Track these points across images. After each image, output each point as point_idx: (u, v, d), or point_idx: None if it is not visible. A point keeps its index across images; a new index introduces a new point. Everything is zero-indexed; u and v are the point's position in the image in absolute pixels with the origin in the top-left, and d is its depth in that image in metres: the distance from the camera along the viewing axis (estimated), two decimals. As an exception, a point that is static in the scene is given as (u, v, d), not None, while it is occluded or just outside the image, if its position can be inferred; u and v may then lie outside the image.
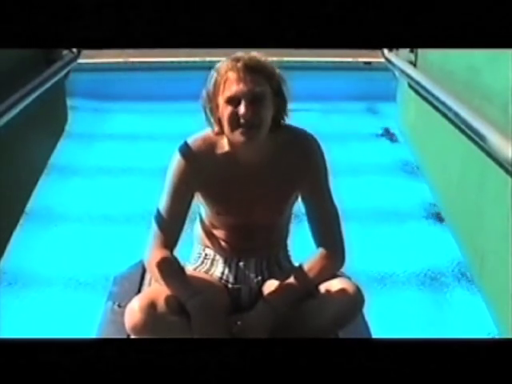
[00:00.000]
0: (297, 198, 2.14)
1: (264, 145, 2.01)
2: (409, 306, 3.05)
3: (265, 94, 1.94)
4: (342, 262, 2.12)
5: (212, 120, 2.01)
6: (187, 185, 2.04)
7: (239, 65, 1.92)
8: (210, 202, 2.10)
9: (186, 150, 2.04)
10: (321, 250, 2.09)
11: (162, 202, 2.06)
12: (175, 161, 2.05)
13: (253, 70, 1.93)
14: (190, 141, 2.06)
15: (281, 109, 2.02)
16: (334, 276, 2.08)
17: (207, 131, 2.06)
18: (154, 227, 2.06)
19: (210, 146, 2.04)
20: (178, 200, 2.04)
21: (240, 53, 1.96)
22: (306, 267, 2.09)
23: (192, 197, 2.07)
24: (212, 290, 2.11)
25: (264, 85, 1.94)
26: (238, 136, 1.94)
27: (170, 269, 2.02)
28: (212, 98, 1.97)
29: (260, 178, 2.05)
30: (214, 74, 1.98)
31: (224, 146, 2.04)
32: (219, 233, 2.16)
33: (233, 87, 1.92)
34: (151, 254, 2.04)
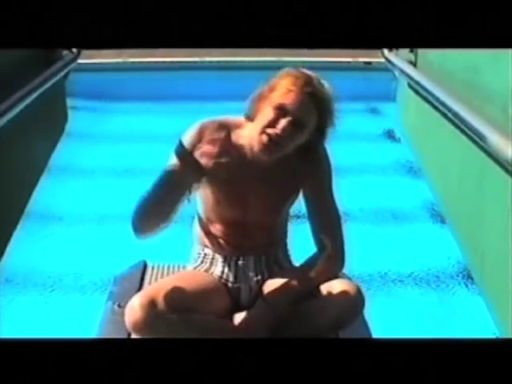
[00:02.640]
0: (297, 197, 2.14)
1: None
2: (409, 305, 3.05)
3: (308, 125, 1.95)
4: (342, 264, 2.12)
5: (250, 112, 2.01)
6: (195, 160, 1.94)
7: (305, 89, 1.92)
8: (213, 188, 2.06)
9: (203, 127, 2.00)
10: (321, 252, 2.09)
11: (166, 173, 1.98)
12: (190, 134, 1.99)
13: (313, 99, 1.93)
14: (208, 120, 2.03)
15: (316, 140, 2.02)
16: (334, 277, 2.08)
17: (227, 117, 2.06)
18: (149, 193, 2.05)
19: (227, 131, 2.01)
20: (184, 170, 1.95)
21: (311, 73, 1.98)
22: (305, 267, 2.09)
23: (194, 177, 1.97)
24: (212, 291, 2.12)
25: (313, 117, 1.95)
26: (260, 143, 1.94)
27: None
28: (264, 95, 1.97)
29: (266, 176, 2.05)
30: (277, 77, 1.99)
31: (241, 136, 2.03)
32: (217, 230, 2.16)
33: (288, 99, 1.92)
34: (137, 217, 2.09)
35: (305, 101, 1.93)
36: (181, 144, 1.98)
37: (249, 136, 2.01)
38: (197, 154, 1.93)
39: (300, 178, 2.09)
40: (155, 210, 2.01)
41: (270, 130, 1.93)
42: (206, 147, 1.94)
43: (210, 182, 2.05)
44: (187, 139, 1.99)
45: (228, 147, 1.98)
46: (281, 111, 1.93)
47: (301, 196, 2.15)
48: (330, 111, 1.98)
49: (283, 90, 1.94)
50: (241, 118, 2.05)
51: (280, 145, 1.94)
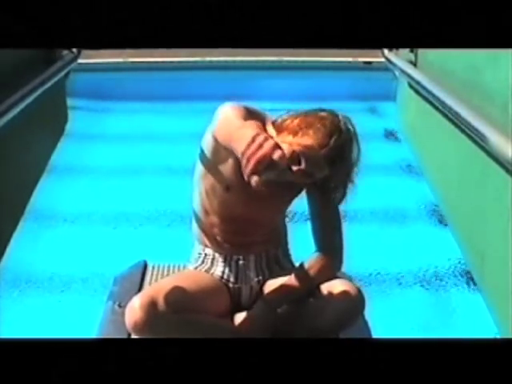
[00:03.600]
0: (299, 193, 2.15)
1: None
2: (409, 305, 3.05)
3: (317, 177, 1.96)
4: (340, 264, 2.13)
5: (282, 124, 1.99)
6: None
7: (328, 152, 1.92)
8: (228, 169, 2.03)
9: (235, 106, 1.91)
10: (320, 251, 2.09)
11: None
12: (235, 109, 1.89)
13: (330, 161, 1.93)
14: (234, 105, 1.92)
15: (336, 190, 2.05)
16: (334, 278, 2.09)
17: (253, 107, 2.00)
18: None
19: (258, 116, 1.96)
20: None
21: (342, 120, 2.03)
22: (305, 267, 2.09)
23: None
24: (213, 291, 2.12)
25: (325, 171, 1.95)
26: (268, 183, 1.78)
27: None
28: (295, 126, 1.95)
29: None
30: (312, 119, 1.97)
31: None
32: (217, 228, 2.16)
33: (306, 154, 1.90)
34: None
35: (322, 161, 1.92)
36: (235, 115, 1.87)
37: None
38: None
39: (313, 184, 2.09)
40: None
41: (275, 164, 1.80)
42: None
43: (229, 161, 2.02)
44: (232, 112, 1.88)
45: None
46: (298, 155, 1.90)
47: (302, 195, 2.16)
48: (345, 169, 2.01)
49: (310, 141, 1.92)
50: (271, 117, 2.03)
51: (270, 192, 1.84)
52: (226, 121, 1.86)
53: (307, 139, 1.92)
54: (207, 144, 2.03)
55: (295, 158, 1.90)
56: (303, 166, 1.91)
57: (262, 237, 2.16)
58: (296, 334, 2.01)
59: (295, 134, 1.94)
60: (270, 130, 2.00)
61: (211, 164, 2.05)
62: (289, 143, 1.91)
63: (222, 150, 1.94)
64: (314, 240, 2.12)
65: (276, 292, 2.07)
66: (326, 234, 2.10)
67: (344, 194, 2.07)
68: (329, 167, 1.94)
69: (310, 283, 2.06)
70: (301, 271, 2.10)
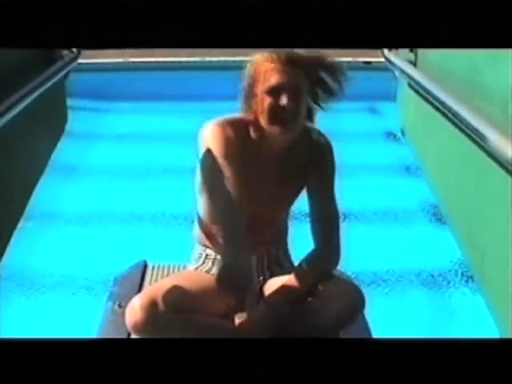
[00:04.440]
0: (300, 193, 2.15)
1: (290, 139, 2.02)
2: (409, 305, 3.04)
3: (303, 87, 1.96)
4: (338, 261, 2.12)
5: (247, 105, 2.01)
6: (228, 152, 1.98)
7: (281, 56, 1.94)
8: (226, 182, 2.03)
9: (218, 130, 2.01)
10: (317, 248, 2.10)
11: (212, 165, 1.96)
12: (209, 138, 1.99)
13: (295, 64, 1.94)
14: (219, 122, 2.03)
15: (313, 105, 2.04)
16: (330, 276, 2.09)
17: (232, 116, 2.06)
18: (210, 185, 1.96)
19: (236, 130, 2.03)
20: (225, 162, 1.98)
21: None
22: (303, 266, 2.09)
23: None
24: (213, 291, 2.12)
25: (302, 78, 1.96)
26: (276, 127, 1.96)
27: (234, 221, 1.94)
28: (251, 87, 1.98)
29: (276, 171, 2.06)
30: (252, 65, 2.00)
31: (249, 133, 2.04)
32: (219, 229, 2.15)
33: (273, 78, 1.94)
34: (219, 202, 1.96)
35: (288, 69, 1.94)
36: (209, 148, 1.98)
37: (257, 130, 2.01)
38: (221, 155, 1.96)
39: (307, 173, 2.10)
40: None
41: (276, 112, 1.93)
42: (224, 148, 1.97)
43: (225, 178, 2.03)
44: (211, 142, 1.99)
45: (239, 145, 2.00)
46: (275, 91, 1.93)
47: (304, 194, 2.16)
48: (315, 67, 1.99)
49: (265, 73, 1.95)
50: (243, 115, 2.05)
51: (293, 117, 1.95)
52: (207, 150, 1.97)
53: (261, 74, 1.96)
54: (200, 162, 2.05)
55: (273, 92, 1.93)
56: (282, 89, 1.92)
57: (265, 238, 2.16)
58: (296, 332, 2.01)
59: (254, 87, 1.98)
60: (249, 123, 2.03)
61: (210, 179, 2.06)
62: (263, 92, 1.95)
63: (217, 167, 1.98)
64: (313, 237, 2.12)
65: (278, 293, 2.06)
66: (323, 230, 2.10)
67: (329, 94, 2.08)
68: (295, 69, 1.94)
69: (309, 281, 2.06)
70: (300, 270, 2.10)
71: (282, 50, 1.95)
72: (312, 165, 2.09)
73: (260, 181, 2.05)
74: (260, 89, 1.96)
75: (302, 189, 2.14)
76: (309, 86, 1.99)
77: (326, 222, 2.11)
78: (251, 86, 1.98)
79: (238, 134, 2.02)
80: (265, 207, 2.09)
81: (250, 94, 1.99)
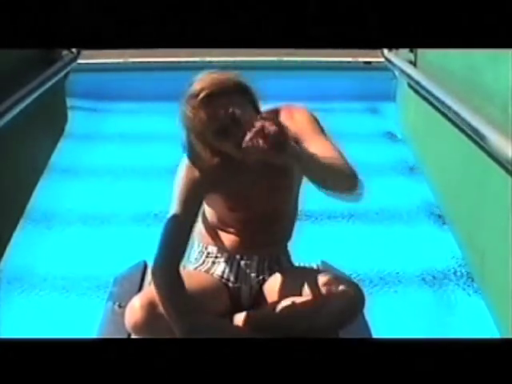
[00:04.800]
0: (299, 184, 2.14)
1: None
2: (409, 305, 3.05)
3: (239, 107, 1.91)
4: (355, 178, 2.00)
5: (209, 155, 1.99)
6: (198, 193, 2.03)
7: (202, 99, 1.90)
8: (222, 201, 2.09)
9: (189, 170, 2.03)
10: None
11: (174, 211, 2.02)
12: (184, 171, 2.03)
13: (216, 94, 1.91)
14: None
15: (255, 106, 1.99)
16: (334, 276, 2.09)
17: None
18: (165, 237, 2.03)
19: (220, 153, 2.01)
20: (190, 208, 2.03)
21: (195, 85, 1.93)
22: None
23: (201, 202, 2.07)
24: (212, 291, 2.12)
25: (233, 99, 1.92)
26: (245, 155, 1.85)
27: (176, 294, 1.97)
28: (199, 140, 1.95)
29: (264, 167, 2.04)
30: (185, 118, 1.94)
31: (220, 161, 2.02)
32: (224, 229, 2.16)
33: (212, 121, 1.90)
34: (160, 267, 2.01)
35: (214, 104, 1.90)
36: (180, 180, 2.02)
37: (224, 156, 2.00)
38: (198, 184, 2.00)
39: (297, 140, 1.97)
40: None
41: (237, 144, 1.83)
42: (201, 174, 1.99)
43: (218, 198, 2.09)
44: (184, 173, 2.02)
45: (219, 161, 2.00)
46: (222, 130, 1.91)
47: (303, 193, 2.16)
48: (235, 84, 1.96)
49: (199, 122, 1.91)
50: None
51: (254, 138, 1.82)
52: None
53: (196, 117, 1.91)
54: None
55: (218, 129, 1.90)
56: (232, 126, 1.88)
57: (268, 237, 2.16)
58: (296, 331, 2.01)
59: (196, 129, 1.94)
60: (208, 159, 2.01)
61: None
62: (210, 134, 1.93)
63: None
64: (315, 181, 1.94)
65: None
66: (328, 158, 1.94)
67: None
68: (227, 95, 1.91)
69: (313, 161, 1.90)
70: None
71: (202, 88, 1.91)
72: (294, 134, 1.96)
73: (252, 181, 2.06)
74: (207, 137, 1.93)
75: (293, 178, 2.10)
76: (243, 98, 1.95)
77: (330, 156, 1.96)
78: (201, 137, 1.95)
79: (207, 169, 2.01)
80: (262, 209, 2.10)
81: (205, 144, 1.96)
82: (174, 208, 2.02)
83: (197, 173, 2.01)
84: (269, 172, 2.04)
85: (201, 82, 1.94)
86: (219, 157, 1.99)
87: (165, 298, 1.95)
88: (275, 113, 2.05)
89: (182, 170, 2.04)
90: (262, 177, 2.05)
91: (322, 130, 2.08)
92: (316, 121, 2.09)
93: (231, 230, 2.16)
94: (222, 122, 1.90)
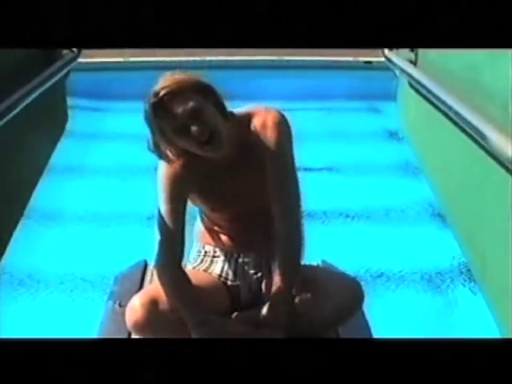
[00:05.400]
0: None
1: (228, 140, 2.00)
2: (409, 305, 3.05)
3: (198, 103, 1.94)
4: (299, 239, 2.08)
5: (174, 155, 2.01)
6: (179, 191, 2.05)
7: (161, 99, 1.92)
8: (202, 201, 2.13)
9: (168, 173, 2.06)
10: (279, 233, 2.06)
11: (162, 212, 2.05)
12: (162, 171, 2.06)
13: (174, 93, 1.93)
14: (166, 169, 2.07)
15: (218, 104, 2.00)
16: (333, 272, 2.10)
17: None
18: (159, 237, 2.05)
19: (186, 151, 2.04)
20: (175, 206, 2.05)
21: (155, 87, 1.95)
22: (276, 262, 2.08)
23: (186, 201, 2.09)
24: (211, 290, 2.12)
25: (191, 97, 1.94)
26: (204, 152, 1.97)
27: (182, 289, 2.00)
28: (162, 140, 1.97)
29: (239, 166, 2.06)
30: (147, 120, 1.96)
31: (191, 162, 2.05)
32: (219, 227, 2.18)
33: (170, 119, 1.93)
34: (161, 266, 2.03)
35: (176, 101, 1.93)
36: (162, 181, 2.06)
37: (194, 157, 2.02)
38: (179, 182, 2.04)
39: (263, 150, 2.05)
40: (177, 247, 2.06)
41: (197, 142, 1.93)
42: (180, 173, 2.03)
43: (198, 198, 2.12)
44: (164, 174, 2.06)
45: (195, 162, 2.03)
46: (180, 126, 1.93)
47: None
48: (193, 83, 1.98)
49: (160, 121, 1.94)
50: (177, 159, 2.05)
51: (213, 136, 1.93)
52: None
53: (158, 119, 1.94)
54: None
55: (177, 126, 1.92)
56: (182, 118, 1.91)
57: (263, 232, 2.16)
58: (295, 327, 2.01)
59: (161, 130, 1.96)
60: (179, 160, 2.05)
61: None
62: (170, 132, 1.95)
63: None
64: (275, 220, 2.07)
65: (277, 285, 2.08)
66: (283, 212, 2.06)
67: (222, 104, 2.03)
68: (184, 93, 1.94)
69: (287, 275, 2.04)
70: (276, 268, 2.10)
71: (159, 89, 1.93)
72: (263, 144, 2.05)
73: (229, 181, 2.07)
74: (170, 134, 1.96)
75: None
76: (203, 97, 1.96)
77: (284, 201, 2.07)
78: (164, 136, 1.97)
79: (186, 159, 2.03)
80: (251, 206, 2.10)
81: (168, 142, 1.98)
82: (160, 206, 2.06)
83: (172, 171, 2.04)
84: (241, 170, 2.06)
85: (161, 81, 1.97)
86: (185, 156, 2.02)
87: (172, 294, 1.98)
88: (248, 117, 2.07)
89: (161, 168, 2.07)
90: (235, 175, 2.07)
91: (289, 149, 2.09)
92: (286, 135, 2.08)
93: (223, 229, 2.17)
94: (181, 120, 1.92)
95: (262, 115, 2.07)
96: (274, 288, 2.04)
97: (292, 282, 2.04)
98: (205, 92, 1.98)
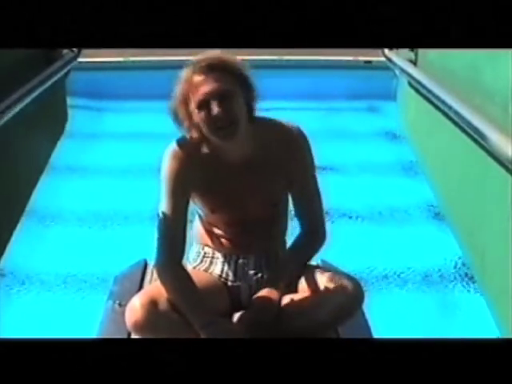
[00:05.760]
0: (289, 188, 2.16)
1: (245, 140, 2.02)
2: (409, 305, 3.05)
3: (232, 90, 1.95)
4: (324, 238, 2.20)
5: (187, 127, 2.01)
6: (182, 187, 2.05)
7: (202, 67, 1.94)
8: (203, 202, 2.11)
9: (174, 154, 2.06)
10: (305, 230, 2.17)
11: (164, 208, 2.06)
12: (167, 166, 2.06)
13: (216, 69, 1.94)
14: (175, 145, 2.07)
15: (250, 103, 2.01)
16: (333, 272, 2.11)
17: (179, 138, 2.09)
18: (160, 234, 2.05)
19: (194, 147, 2.05)
20: (178, 203, 2.05)
21: (201, 55, 1.96)
22: (294, 247, 2.18)
23: (188, 198, 2.09)
24: (212, 290, 2.12)
25: (230, 82, 1.95)
26: (216, 137, 1.97)
27: (185, 288, 2.01)
28: (183, 106, 1.98)
29: (246, 173, 2.06)
30: (179, 82, 1.98)
31: (206, 146, 2.05)
32: (218, 230, 2.17)
33: (200, 91, 1.93)
34: (162, 265, 2.04)
35: (212, 77, 1.93)
36: (165, 178, 2.07)
37: (209, 142, 2.03)
38: (182, 180, 2.03)
39: (282, 166, 2.09)
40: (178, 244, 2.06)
41: (213, 123, 1.94)
42: (185, 170, 2.03)
43: (200, 197, 2.10)
44: (167, 170, 2.06)
45: (202, 160, 2.04)
46: (202, 101, 1.93)
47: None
48: (239, 69, 1.98)
49: (190, 87, 1.95)
50: (191, 134, 2.06)
51: (229, 123, 1.94)
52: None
53: (184, 90, 1.96)
54: None
55: (201, 103, 1.93)
56: (210, 96, 1.92)
57: (262, 235, 2.16)
58: (296, 326, 2.01)
59: (185, 104, 1.98)
60: (200, 139, 2.04)
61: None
62: (194, 107, 1.95)
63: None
64: (299, 222, 2.19)
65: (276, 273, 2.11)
66: (310, 216, 2.17)
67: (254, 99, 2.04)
68: (217, 73, 1.94)
69: (302, 260, 2.15)
70: (293, 251, 2.17)
71: (204, 58, 1.95)
72: (285, 159, 2.09)
73: (234, 185, 2.07)
74: (191, 104, 1.96)
75: (282, 184, 2.14)
76: (240, 88, 1.97)
77: (311, 209, 2.17)
78: (185, 103, 1.98)
79: (194, 153, 2.05)
80: (250, 209, 2.10)
81: (185, 113, 1.99)
82: (162, 204, 2.06)
83: (178, 165, 2.04)
84: (251, 175, 2.06)
85: (208, 53, 1.97)
86: (197, 133, 2.01)
87: (175, 293, 1.98)
88: (273, 128, 2.09)
89: (166, 162, 2.07)
90: (243, 178, 2.07)
91: (312, 165, 2.16)
92: (311, 154, 2.15)
93: (222, 231, 2.17)
94: (209, 96, 1.93)
95: (288, 131, 2.10)
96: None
97: (290, 274, 2.11)
98: (245, 85, 1.98)
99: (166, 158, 2.07)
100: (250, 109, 2.01)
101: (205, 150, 2.05)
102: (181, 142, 2.07)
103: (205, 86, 1.93)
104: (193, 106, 1.96)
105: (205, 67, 1.94)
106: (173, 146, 2.07)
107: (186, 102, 1.97)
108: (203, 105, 1.93)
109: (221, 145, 2.01)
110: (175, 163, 2.04)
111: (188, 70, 1.97)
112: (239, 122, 1.96)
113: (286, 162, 2.09)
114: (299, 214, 2.18)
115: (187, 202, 2.07)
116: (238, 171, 2.06)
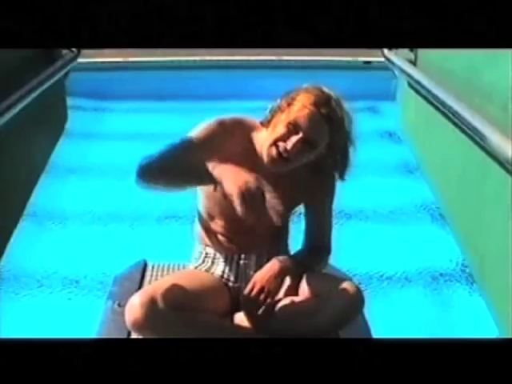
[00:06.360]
0: (299, 204, 2.20)
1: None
2: (409, 305, 3.05)
3: (319, 145, 1.98)
4: (328, 255, 2.21)
5: (266, 122, 2.04)
6: (207, 145, 2.02)
7: (321, 109, 1.95)
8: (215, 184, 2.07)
9: (218, 121, 2.05)
10: (311, 244, 2.20)
11: (178, 143, 2.06)
12: (206, 124, 2.05)
13: (328, 121, 1.96)
14: (226, 117, 2.07)
15: (337, 164, 2.09)
16: (333, 276, 2.10)
17: (243, 116, 2.10)
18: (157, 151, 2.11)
19: (243, 130, 2.06)
20: (193, 151, 2.02)
21: (331, 93, 2.01)
22: (299, 254, 2.18)
23: (203, 160, 1.96)
24: (213, 290, 2.12)
25: (325, 137, 1.98)
26: (269, 155, 1.98)
27: (164, 168, 2.09)
28: (279, 110, 2.01)
29: (273, 182, 2.01)
30: (298, 92, 2.00)
31: (255, 139, 2.07)
32: (219, 227, 2.16)
33: (301, 118, 1.95)
34: (147, 162, 2.15)
35: (319, 121, 1.96)
36: (197, 135, 2.04)
37: (261, 142, 2.04)
38: (212, 147, 1.99)
39: (306, 189, 2.14)
40: (166, 168, 2.11)
41: (280, 145, 1.97)
42: (218, 138, 2.01)
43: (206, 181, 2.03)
44: (204, 131, 2.04)
45: (237, 143, 2.04)
46: (294, 127, 1.96)
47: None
48: (343, 135, 2.03)
49: (299, 106, 1.97)
50: (256, 121, 2.09)
51: (288, 160, 1.98)
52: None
53: (297, 105, 1.97)
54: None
55: (292, 128, 1.95)
56: (301, 132, 1.94)
57: (265, 236, 2.16)
58: (296, 332, 2.01)
59: (283, 110, 2.00)
60: (260, 133, 2.06)
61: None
62: (285, 119, 1.97)
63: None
64: (307, 237, 2.20)
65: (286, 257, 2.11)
66: (318, 236, 2.19)
67: (346, 166, 2.11)
68: (327, 127, 1.97)
69: (308, 264, 2.14)
70: (300, 254, 2.17)
71: (328, 101, 1.97)
72: (312, 181, 2.13)
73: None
74: (285, 115, 1.98)
75: (301, 201, 2.19)
76: (326, 148, 2.01)
77: (321, 230, 2.20)
78: (282, 107, 2.01)
79: (241, 133, 2.05)
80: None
81: (275, 111, 2.02)
82: (180, 141, 2.07)
83: (220, 129, 2.03)
84: (282, 189, 2.04)
85: (331, 92, 2.01)
86: (266, 131, 2.02)
87: (168, 176, 2.05)
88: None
89: (205, 123, 2.05)
90: (273, 190, 2.03)
91: (334, 194, 2.22)
92: (334, 183, 2.21)
93: (223, 230, 2.17)
94: (299, 128, 1.95)
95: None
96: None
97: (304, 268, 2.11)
98: (337, 145, 2.02)
99: (211, 120, 2.06)
100: (317, 163, 2.06)
101: (249, 138, 2.06)
102: (231, 118, 2.08)
103: (307, 122, 1.95)
104: (284, 117, 1.98)
105: (324, 106, 1.95)
106: (222, 117, 2.07)
107: (283, 110, 1.99)
108: (290, 130, 1.95)
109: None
110: (217, 126, 2.04)
111: (310, 95, 1.97)
112: (294, 165, 2.01)
113: (311, 186, 2.13)
114: (309, 229, 2.21)
115: (199, 164, 1.96)
116: (263, 174, 2.03)
